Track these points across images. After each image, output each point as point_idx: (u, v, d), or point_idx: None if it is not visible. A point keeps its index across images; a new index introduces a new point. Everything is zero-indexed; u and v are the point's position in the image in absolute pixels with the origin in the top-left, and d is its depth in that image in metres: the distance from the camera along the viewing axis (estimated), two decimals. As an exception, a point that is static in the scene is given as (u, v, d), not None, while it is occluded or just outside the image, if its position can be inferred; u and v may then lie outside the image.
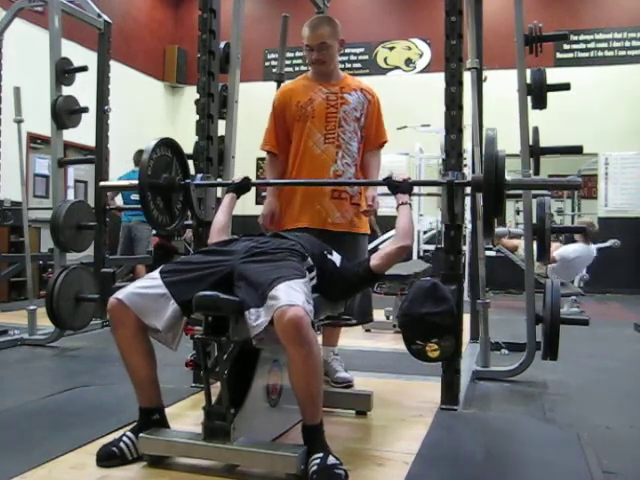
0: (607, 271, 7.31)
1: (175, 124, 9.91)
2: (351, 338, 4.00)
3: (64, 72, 4.15)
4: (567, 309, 5.95)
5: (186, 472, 1.91)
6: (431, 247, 7.77)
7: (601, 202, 8.70)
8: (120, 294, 1.94)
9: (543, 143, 3.21)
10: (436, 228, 7.85)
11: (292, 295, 1.79)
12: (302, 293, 1.83)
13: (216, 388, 1.95)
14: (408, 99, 8.44)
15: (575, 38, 8.70)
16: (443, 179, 2.56)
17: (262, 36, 7.61)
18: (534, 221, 3.12)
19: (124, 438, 1.99)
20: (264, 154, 2.94)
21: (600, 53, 8.84)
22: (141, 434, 1.96)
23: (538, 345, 3.09)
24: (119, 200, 6.31)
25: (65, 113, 4.12)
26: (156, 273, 2.01)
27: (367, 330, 4.70)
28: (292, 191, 2.81)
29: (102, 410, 2.59)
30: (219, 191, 2.94)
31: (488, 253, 4.64)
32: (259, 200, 7.31)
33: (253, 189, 2.78)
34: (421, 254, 7.52)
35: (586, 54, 8.87)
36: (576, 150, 3.29)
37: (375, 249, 3.10)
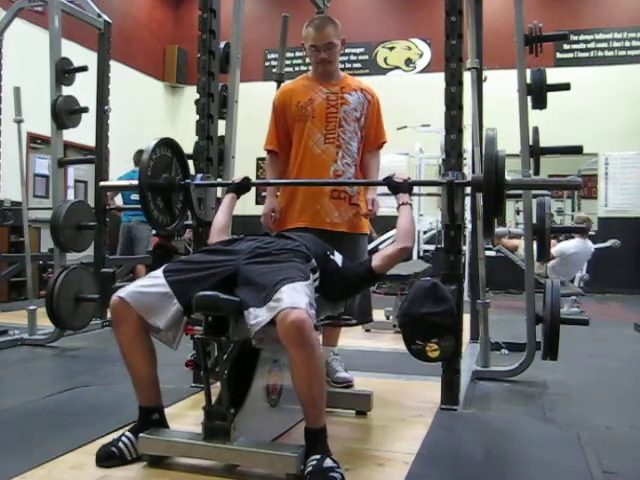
0: (607, 271, 7.31)
1: (175, 124, 9.92)
2: (351, 338, 4.00)
3: (64, 72, 4.15)
4: (567, 309, 5.95)
5: (186, 472, 1.91)
6: (431, 247, 7.77)
7: (601, 202, 8.70)
8: (122, 292, 1.94)
9: (543, 143, 3.21)
10: (436, 228, 7.85)
11: (295, 297, 1.79)
12: (305, 295, 1.82)
13: (216, 388, 1.95)
14: (408, 99, 8.45)
15: (575, 38, 8.70)
16: (443, 179, 2.56)
17: (262, 36, 7.61)
18: (534, 221, 3.12)
19: (123, 438, 1.99)
20: (264, 154, 2.94)
21: (600, 53, 8.84)
22: (141, 434, 1.96)
23: (538, 345, 3.09)
24: (119, 200, 6.31)
25: (65, 113, 4.12)
26: (159, 272, 2.01)
27: (367, 330, 4.70)
28: (293, 191, 2.81)
29: (102, 410, 2.59)
30: (219, 191, 2.94)
31: (488, 253, 4.64)
32: (259, 200, 7.31)
33: (253, 189, 2.79)
34: (421, 254, 7.52)
35: (586, 54, 8.87)
36: (576, 150, 3.29)
37: (374, 250, 3.11)
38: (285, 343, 1.76)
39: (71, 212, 4.01)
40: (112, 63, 4.99)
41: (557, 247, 6.27)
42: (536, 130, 3.21)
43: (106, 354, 3.76)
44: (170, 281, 1.96)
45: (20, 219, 4.54)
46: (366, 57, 9.58)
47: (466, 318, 3.21)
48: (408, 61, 9.49)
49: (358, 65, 9.53)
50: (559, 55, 8.79)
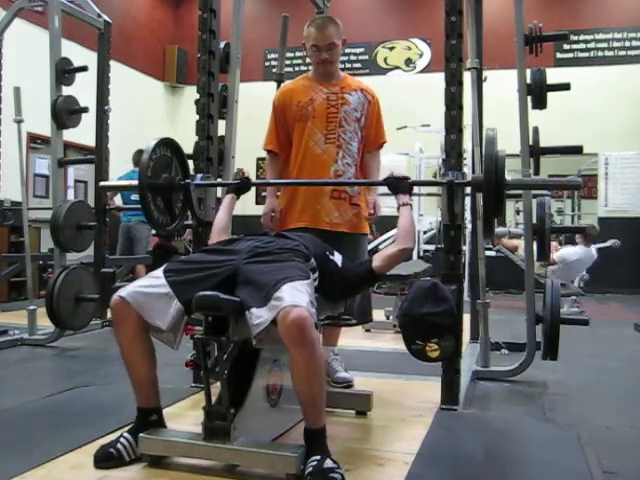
0: (607, 271, 7.31)
1: (175, 124, 9.92)
2: (351, 338, 4.00)
3: (64, 72, 4.15)
4: (567, 309, 5.95)
5: (186, 472, 1.91)
6: (431, 247, 7.77)
7: (601, 202, 8.70)
8: (123, 292, 1.94)
9: (543, 143, 3.21)
10: (436, 228, 7.85)
11: (296, 296, 1.78)
12: (306, 294, 1.82)
13: (216, 388, 1.95)
14: (408, 99, 8.45)
15: (575, 38, 8.70)
16: (443, 179, 2.56)
17: (262, 36, 7.61)
18: (534, 221, 3.12)
19: (121, 439, 1.99)
20: (264, 154, 2.94)
21: (600, 53, 8.84)
22: (141, 434, 1.96)
23: (538, 345, 3.09)
24: (118, 200, 6.31)
25: (65, 113, 4.12)
26: (159, 272, 2.01)
27: (367, 330, 4.70)
28: (294, 191, 2.81)
29: (102, 410, 2.59)
30: (219, 191, 2.94)
31: (488, 253, 4.64)
32: (259, 200, 7.31)
33: (253, 189, 2.79)
34: (421, 254, 7.52)
35: (586, 54, 8.87)
36: (576, 150, 3.29)
37: (374, 250, 3.11)
38: (286, 342, 1.76)
39: (71, 212, 4.01)
40: (112, 63, 4.99)
41: (559, 253, 6.24)
42: (536, 130, 3.21)
43: (106, 354, 3.76)
44: (170, 281, 1.96)
45: (20, 219, 4.54)
46: (366, 57, 9.58)
47: (466, 318, 3.21)
48: (408, 61, 9.49)
49: (358, 65, 9.53)
50: (559, 55, 8.79)
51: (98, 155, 4.77)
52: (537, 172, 3.25)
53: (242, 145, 3.28)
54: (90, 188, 7.82)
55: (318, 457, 1.80)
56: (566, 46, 8.72)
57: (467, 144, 3.83)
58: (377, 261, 2.27)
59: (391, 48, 9.55)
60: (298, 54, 8.90)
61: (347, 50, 9.02)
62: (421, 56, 9.41)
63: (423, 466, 2.00)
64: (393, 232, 2.29)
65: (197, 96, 2.94)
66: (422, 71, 9.34)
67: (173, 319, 1.92)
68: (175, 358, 2.40)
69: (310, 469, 1.77)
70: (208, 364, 1.91)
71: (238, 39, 3.11)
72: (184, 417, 2.45)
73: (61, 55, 4.14)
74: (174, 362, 2.58)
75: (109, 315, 2.02)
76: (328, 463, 1.79)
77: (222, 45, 3.09)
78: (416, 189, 2.81)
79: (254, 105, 4.79)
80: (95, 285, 4.13)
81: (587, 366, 3.71)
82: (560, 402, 2.93)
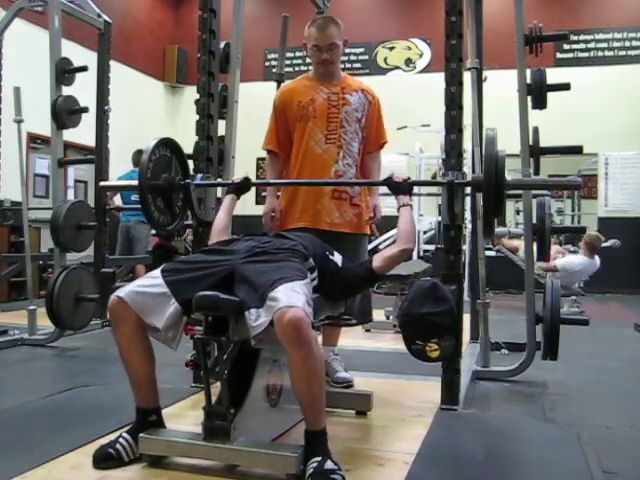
0: (607, 271, 7.29)
1: (175, 124, 9.92)
2: (351, 338, 4.00)
3: (64, 72, 4.15)
4: (567, 309, 5.95)
5: (186, 472, 1.91)
6: (431, 247, 7.77)
7: (601, 202, 8.70)
8: (121, 292, 1.94)
9: (543, 143, 3.21)
10: (436, 228, 7.85)
11: (292, 297, 1.78)
12: (302, 294, 1.82)
13: (216, 388, 1.95)
14: (408, 99, 8.45)
15: (575, 38, 8.70)
16: (443, 179, 2.56)
17: (262, 36, 7.61)
18: (534, 221, 3.12)
19: (120, 439, 1.99)
20: (264, 154, 2.94)
21: (600, 53, 8.84)
22: (141, 434, 1.96)
23: (538, 345, 3.09)
24: (118, 200, 6.31)
25: (65, 113, 4.12)
26: (157, 272, 2.01)
27: (367, 330, 4.70)
28: (294, 191, 2.81)
29: (102, 410, 2.59)
30: (219, 191, 2.94)
31: (488, 253, 4.64)
32: (259, 200, 7.30)
33: (253, 189, 2.79)
34: (421, 254, 7.52)
35: (586, 54, 8.87)
36: (576, 150, 3.29)
37: (375, 250, 3.11)
38: (283, 342, 1.76)
39: (71, 212, 4.01)
40: (112, 63, 4.99)
41: (562, 262, 6.17)
42: (536, 130, 3.20)
43: (106, 354, 3.76)
44: (168, 281, 1.96)
45: (20, 219, 4.54)
46: (366, 57, 9.58)
47: (466, 318, 3.21)
48: (408, 61, 9.49)
49: (358, 65, 9.53)
50: (559, 55, 8.79)
51: (98, 155, 4.77)
52: (537, 172, 3.25)
53: (242, 145, 3.28)
54: (90, 188, 7.82)
55: (319, 458, 1.80)
56: (566, 46, 8.72)
57: (467, 144, 3.84)
58: (377, 261, 2.26)
59: (391, 48, 9.55)
60: (298, 54, 8.91)
61: (347, 50, 8.93)
62: (421, 56, 9.41)
63: (423, 466, 2.00)
64: (393, 232, 2.30)
65: (197, 96, 2.94)
66: (422, 71, 9.34)
67: (170, 319, 1.92)
68: (175, 358, 2.40)
69: (311, 470, 1.77)
70: (208, 364, 1.91)
71: (238, 39, 3.11)
72: (184, 417, 2.45)
73: (61, 55, 4.14)
74: (174, 362, 2.58)
75: (109, 315, 2.02)
76: (329, 464, 1.79)
77: (222, 45, 3.09)
78: (416, 189, 2.81)
79: (254, 105, 4.79)
80: (95, 285, 4.13)
81: (587, 366, 3.71)
82: (560, 402, 2.93)
